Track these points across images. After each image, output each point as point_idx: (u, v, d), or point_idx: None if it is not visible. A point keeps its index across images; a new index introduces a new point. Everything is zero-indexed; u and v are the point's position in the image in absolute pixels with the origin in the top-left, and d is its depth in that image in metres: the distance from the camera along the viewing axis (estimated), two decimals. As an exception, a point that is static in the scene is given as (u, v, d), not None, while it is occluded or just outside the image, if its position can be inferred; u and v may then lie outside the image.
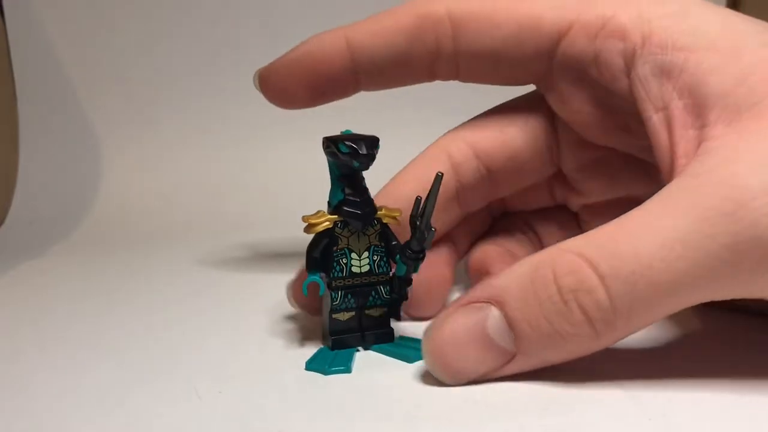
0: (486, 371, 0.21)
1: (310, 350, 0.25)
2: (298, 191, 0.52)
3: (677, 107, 0.22)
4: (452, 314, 0.21)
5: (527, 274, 0.21)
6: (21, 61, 0.58)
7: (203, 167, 0.59)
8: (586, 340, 0.20)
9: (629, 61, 0.23)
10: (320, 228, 0.24)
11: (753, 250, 0.19)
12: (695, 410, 0.20)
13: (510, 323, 0.21)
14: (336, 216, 0.24)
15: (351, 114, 0.56)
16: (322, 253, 0.25)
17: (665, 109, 0.23)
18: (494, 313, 0.21)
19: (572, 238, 0.21)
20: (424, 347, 0.22)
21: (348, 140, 0.23)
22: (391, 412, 0.21)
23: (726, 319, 0.28)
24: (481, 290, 0.21)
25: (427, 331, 0.22)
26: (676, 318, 0.28)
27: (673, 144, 0.22)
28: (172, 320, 0.30)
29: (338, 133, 0.25)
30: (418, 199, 0.24)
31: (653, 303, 0.20)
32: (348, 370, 0.23)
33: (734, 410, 0.20)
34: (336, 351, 0.25)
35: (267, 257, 0.43)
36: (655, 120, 0.23)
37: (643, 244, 0.19)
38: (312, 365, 0.24)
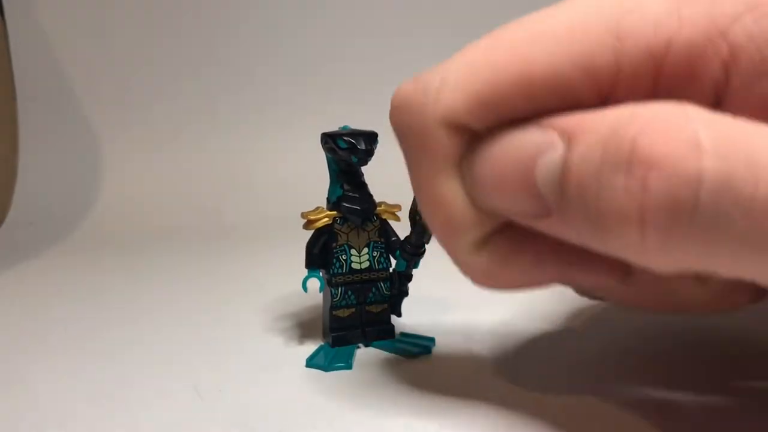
0: (518, 214, 0.16)
1: (311, 347, 0.25)
2: (298, 188, 0.52)
3: None
4: (517, 132, 0.16)
5: (618, 116, 0.14)
6: (21, 61, 0.59)
7: (203, 166, 0.59)
8: (627, 245, 0.14)
9: (713, 102, 0.16)
10: (319, 224, 0.24)
11: None
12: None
13: (564, 173, 0.14)
14: (335, 212, 0.24)
15: (350, 110, 0.56)
16: (321, 250, 0.25)
17: None
18: (556, 154, 0.15)
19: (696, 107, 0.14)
20: (477, 155, 0.16)
21: (346, 136, 0.23)
22: (391, 408, 0.20)
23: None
24: (568, 117, 0.15)
25: (487, 139, 0.16)
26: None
27: None
28: (171, 319, 0.30)
29: (337, 128, 0.25)
30: None
31: (748, 258, 0.13)
32: (349, 367, 0.23)
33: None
34: (336, 348, 0.25)
35: (267, 255, 0.42)
36: None
37: None
38: (313, 362, 0.24)
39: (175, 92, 0.61)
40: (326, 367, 0.23)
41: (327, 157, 0.25)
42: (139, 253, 0.45)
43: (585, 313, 0.29)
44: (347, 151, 0.23)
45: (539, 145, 0.15)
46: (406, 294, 0.26)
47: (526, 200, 0.15)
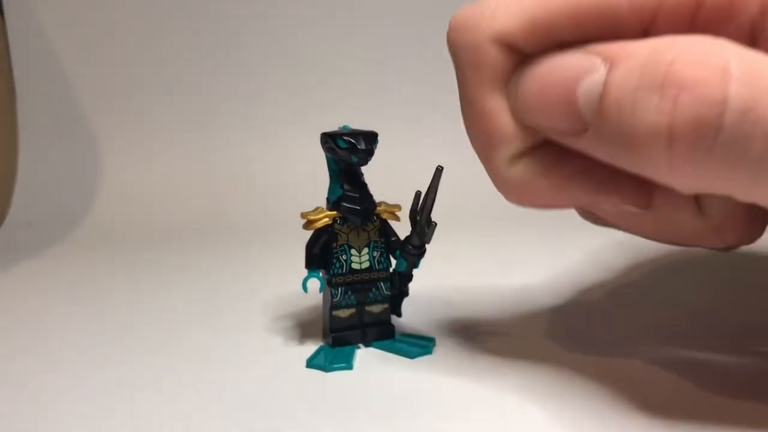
0: (555, 130, 0.18)
1: (311, 347, 0.25)
2: (298, 188, 0.51)
3: None
4: (562, 55, 0.17)
5: (658, 44, 0.15)
6: (21, 61, 0.58)
7: (203, 167, 0.59)
8: (653, 161, 0.15)
9: (748, 44, 0.16)
10: (319, 224, 0.24)
11: None
12: None
13: (604, 92, 0.16)
14: (335, 212, 0.24)
15: (350, 110, 0.56)
16: (321, 250, 0.24)
17: None
18: (597, 75, 0.16)
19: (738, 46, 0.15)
20: (521, 75, 0.18)
21: (346, 135, 0.23)
22: (392, 408, 0.20)
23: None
24: (612, 44, 0.16)
25: (534, 59, 0.18)
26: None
27: None
28: (171, 319, 0.30)
29: (336, 128, 0.24)
30: (417, 193, 0.24)
31: (764, 179, 0.14)
32: (349, 367, 0.23)
33: None
34: (337, 348, 0.25)
35: (267, 255, 0.42)
36: None
37: None
38: (313, 362, 0.24)
39: (175, 92, 0.61)
40: (326, 368, 0.23)
41: (327, 157, 0.25)
42: (139, 253, 0.45)
43: (583, 300, 0.29)
44: (347, 151, 0.23)
45: (583, 67, 0.16)
46: (407, 294, 0.26)
47: (566, 117, 0.17)
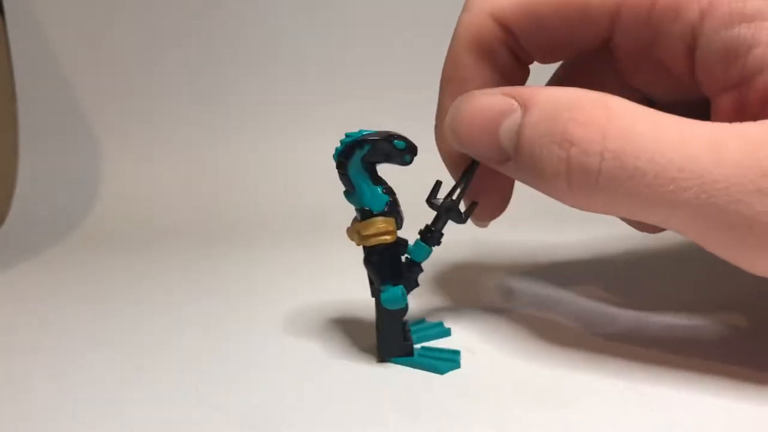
0: (485, 157, 0.22)
1: (311, 347, 0.25)
2: (299, 188, 0.52)
3: (749, 90, 0.20)
4: (487, 96, 0.21)
5: (558, 100, 0.20)
6: (21, 61, 0.58)
7: (204, 168, 0.59)
8: (558, 190, 0.20)
9: (690, 42, 0.21)
10: (395, 234, 0.23)
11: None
12: (698, 404, 0.20)
13: (519, 132, 0.20)
14: (392, 218, 0.23)
15: (350, 110, 0.56)
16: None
17: (735, 88, 0.20)
18: (515, 117, 0.20)
19: (619, 99, 0.19)
20: (452, 108, 0.22)
21: (394, 137, 0.22)
22: (391, 408, 0.20)
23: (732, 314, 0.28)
24: (525, 89, 0.21)
25: (462, 97, 0.22)
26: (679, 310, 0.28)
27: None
28: (172, 319, 0.30)
29: (344, 133, 0.23)
30: (438, 183, 0.24)
31: (634, 206, 0.19)
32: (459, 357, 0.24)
33: (735, 406, 0.20)
34: (432, 349, 0.24)
35: (268, 254, 0.42)
36: (722, 102, 0.21)
37: (672, 153, 0.18)
38: (444, 366, 0.23)
39: (176, 92, 0.61)
40: (458, 363, 0.23)
41: (355, 167, 0.23)
42: (140, 253, 0.45)
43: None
44: (405, 152, 0.22)
45: (503, 108, 0.21)
46: (417, 285, 0.25)
47: (492, 149, 0.21)
